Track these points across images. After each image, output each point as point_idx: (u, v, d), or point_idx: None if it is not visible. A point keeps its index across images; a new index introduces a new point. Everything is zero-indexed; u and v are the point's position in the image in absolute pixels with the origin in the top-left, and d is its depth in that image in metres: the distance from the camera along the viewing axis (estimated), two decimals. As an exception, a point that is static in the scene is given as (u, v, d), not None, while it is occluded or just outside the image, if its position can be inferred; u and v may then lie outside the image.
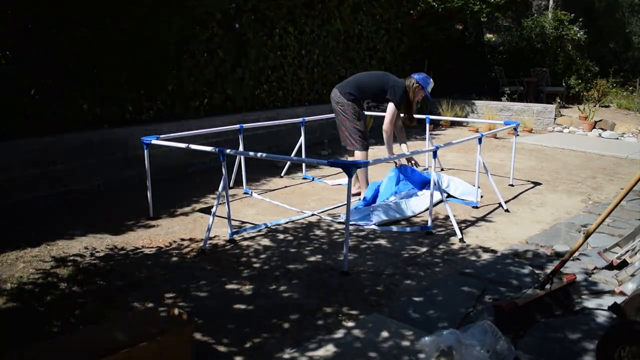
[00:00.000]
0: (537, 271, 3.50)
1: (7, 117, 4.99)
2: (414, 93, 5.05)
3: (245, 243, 4.05)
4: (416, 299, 3.11)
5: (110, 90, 5.79)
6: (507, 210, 4.86)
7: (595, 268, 3.55)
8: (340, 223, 4.44)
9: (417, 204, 4.83)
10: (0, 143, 4.86)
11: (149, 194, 4.64)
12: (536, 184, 5.94)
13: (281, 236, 4.19)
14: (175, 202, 4.97)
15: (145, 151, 4.58)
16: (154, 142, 4.53)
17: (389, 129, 5.03)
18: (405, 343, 2.57)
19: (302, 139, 6.21)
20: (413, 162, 5.37)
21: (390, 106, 5.02)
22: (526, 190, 5.67)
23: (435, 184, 4.26)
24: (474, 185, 5.18)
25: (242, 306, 3.03)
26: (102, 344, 2.27)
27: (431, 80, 5.11)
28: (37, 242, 3.98)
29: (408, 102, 5.12)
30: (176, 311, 2.48)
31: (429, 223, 4.32)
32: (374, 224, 4.39)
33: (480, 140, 4.85)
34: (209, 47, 6.88)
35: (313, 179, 6.02)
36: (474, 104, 10.77)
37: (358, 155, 5.05)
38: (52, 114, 5.31)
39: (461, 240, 4.10)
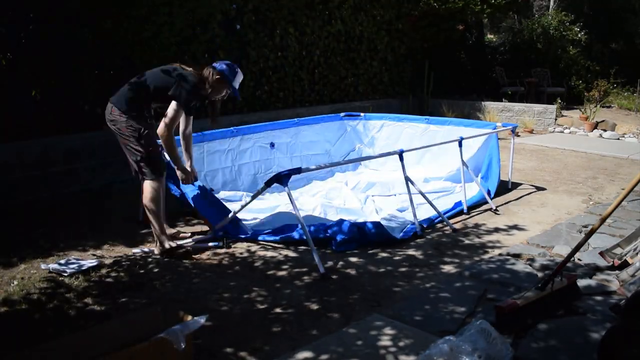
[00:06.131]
0: (538, 272, 3.49)
1: (8, 118, 5.00)
2: (212, 87, 3.80)
3: (243, 246, 4.05)
4: (416, 299, 3.11)
5: (112, 92, 5.79)
6: (496, 211, 4.83)
7: (597, 268, 3.54)
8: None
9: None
10: (1, 144, 4.87)
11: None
12: (537, 184, 5.93)
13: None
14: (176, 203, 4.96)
15: None
16: None
17: (165, 132, 3.66)
18: (405, 344, 2.57)
19: None
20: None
21: (172, 105, 3.67)
22: (527, 190, 5.66)
23: (410, 183, 4.22)
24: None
25: (242, 307, 3.03)
26: (102, 344, 2.28)
27: (239, 71, 3.91)
28: (39, 243, 3.98)
29: (210, 101, 3.98)
30: (177, 312, 2.49)
31: (416, 225, 4.25)
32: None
33: (460, 143, 4.72)
34: (209, 48, 6.88)
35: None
36: (475, 105, 10.76)
37: (147, 188, 3.77)
38: (52, 115, 5.32)
39: (455, 232, 4.09)
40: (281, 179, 3.56)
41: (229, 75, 3.82)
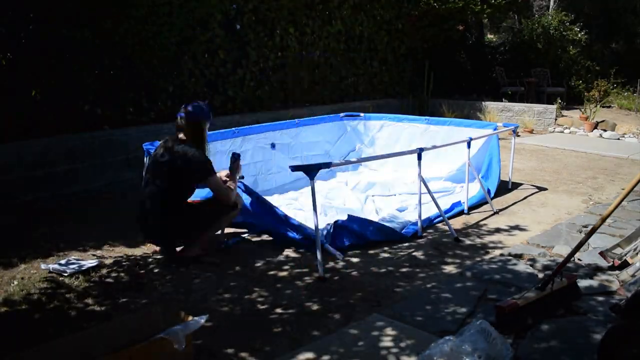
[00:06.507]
0: (538, 272, 3.49)
1: (8, 118, 5.00)
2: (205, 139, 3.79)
3: (244, 247, 4.05)
4: (417, 299, 3.11)
5: (111, 91, 5.79)
6: (496, 212, 4.83)
7: (597, 268, 3.54)
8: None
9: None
10: (1, 144, 4.87)
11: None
12: (537, 184, 5.93)
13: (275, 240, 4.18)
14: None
15: (146, 159, 4.48)
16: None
17: (232, 200, 3.72)
18: (406, 344, 2.57)
19: None
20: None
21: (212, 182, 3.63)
22: (527, 190, 5.66)
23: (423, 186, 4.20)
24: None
25: (243, 307, 3.03)
26: (102, 345, 2.28)
27: (199, 104, 3.72)
28: (39, 243, 3.97)
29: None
30: (177, 312, 2.49)
31: (419, 225, 4.24)
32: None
33: (469, 144, 4.70)
34: (209, 48, 6.88)
35: None
36: (475, 105, 10.76)
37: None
38: (52, 115, 5.32)
39: (456, 239, 4.09)
40: (310, 171, 3.46)
41: (205, 115, 3.70)
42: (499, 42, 15.30)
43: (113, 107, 5.84)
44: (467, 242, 4.10)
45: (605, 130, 9.64)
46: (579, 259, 3.66)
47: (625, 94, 12.71)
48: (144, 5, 5.77)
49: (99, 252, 3.83)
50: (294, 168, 3.60)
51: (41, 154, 5.07)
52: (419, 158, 4.15)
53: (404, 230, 4.23)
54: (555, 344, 2.62)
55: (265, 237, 4.19)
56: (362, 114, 6.73)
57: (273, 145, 5.73)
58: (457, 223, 4.54)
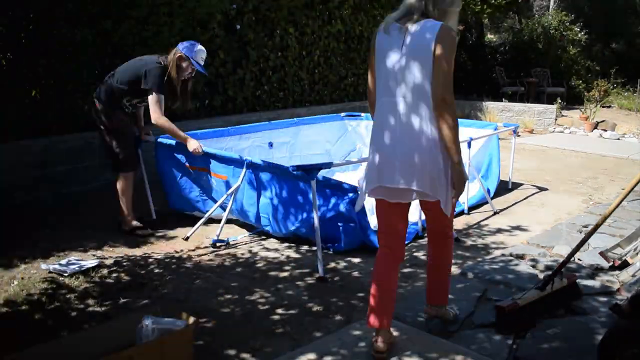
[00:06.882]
0: (538, 272, 3.49)
1: (8, 118, 4.99)
2: (176, 69, 3.98)
3: (245, 247, 4.05)
4: (418, 300, 3.10)
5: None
6: (496, 212, 4.83)
7: (597, 268, 3.54)
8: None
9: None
10: (1, 144, 4.86)
11: (149, 198, 4.62)
12: (537, 184, 5.93)
13: (277, 240, 4.18)
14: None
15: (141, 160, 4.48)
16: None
17: (158, 121, 3.96)
18: (407, 344, 2.56)
19: None
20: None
21: (151, 96, 3.92)
22: (527, 190, 5.66)
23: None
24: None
25: (244, 308, 3.03)
26: (102, 345, 2.27)
27: (200, 47, 4.09)
28: (39, 243, 3.97)
29: (171, 85, 4.02)
30: (178, 313, 2.48)
31: (418, 227, 4.24)
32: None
33: (469, 144, 4.70)
34: (209, 48, 6.87)
35: None
36: (475, 105, 10.77)
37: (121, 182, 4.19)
38: (52, 115, 5.31)
39: (457, 239, 4.09)
40: (310, 171, 3.49)
41: (187, 51, 4.03)
42: (499, 42, 15.31)
43: (113, 107, 5.84)
44: (468, 242, 4.10)
45: (605, 130, 9.65)
46: (579, 259, 3.66)
47: (625, 94, 12.72)
48: (144, 5, 5.76)
49: (99, 252, 3.83)
50: (296, 168, 3.61)
51: (41, 154, 5.06)
52: None
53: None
54: (556, 344, 2.62)
55: (265, 236, 4.19)
56: (362, 114, 6.73)
57: (270, 144, 5.72)
58: (457, 223, 4.54)
